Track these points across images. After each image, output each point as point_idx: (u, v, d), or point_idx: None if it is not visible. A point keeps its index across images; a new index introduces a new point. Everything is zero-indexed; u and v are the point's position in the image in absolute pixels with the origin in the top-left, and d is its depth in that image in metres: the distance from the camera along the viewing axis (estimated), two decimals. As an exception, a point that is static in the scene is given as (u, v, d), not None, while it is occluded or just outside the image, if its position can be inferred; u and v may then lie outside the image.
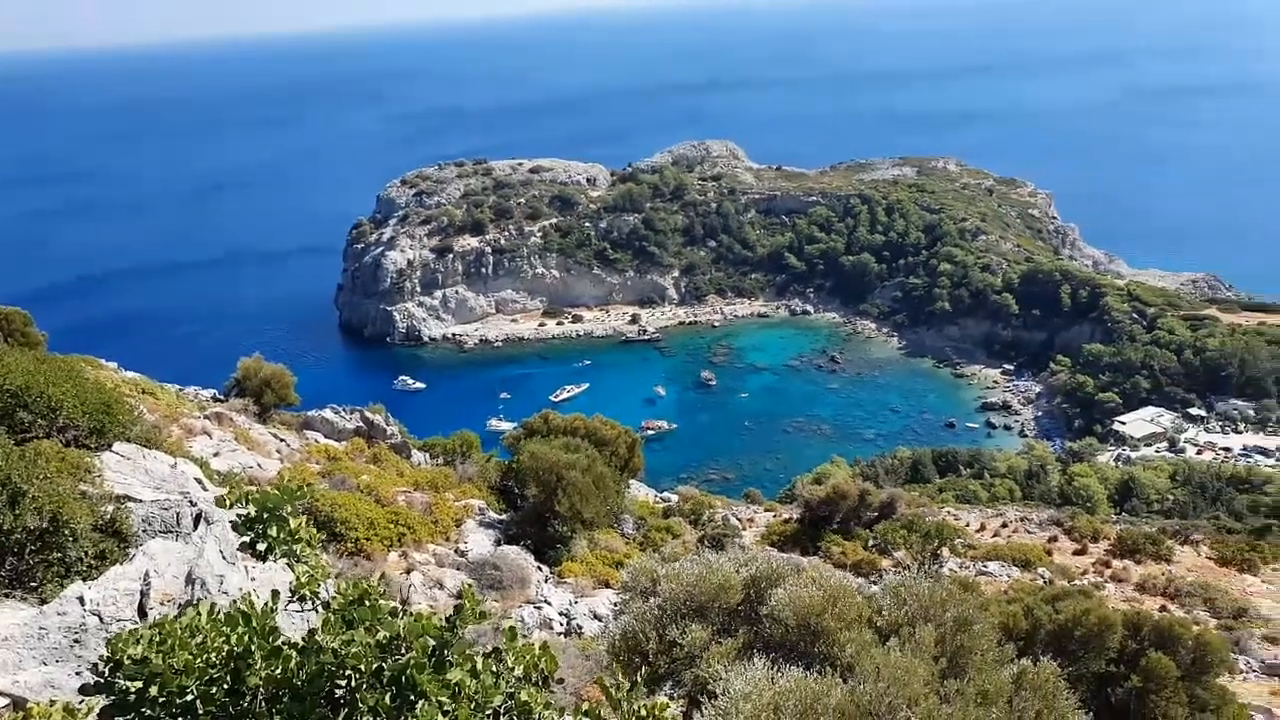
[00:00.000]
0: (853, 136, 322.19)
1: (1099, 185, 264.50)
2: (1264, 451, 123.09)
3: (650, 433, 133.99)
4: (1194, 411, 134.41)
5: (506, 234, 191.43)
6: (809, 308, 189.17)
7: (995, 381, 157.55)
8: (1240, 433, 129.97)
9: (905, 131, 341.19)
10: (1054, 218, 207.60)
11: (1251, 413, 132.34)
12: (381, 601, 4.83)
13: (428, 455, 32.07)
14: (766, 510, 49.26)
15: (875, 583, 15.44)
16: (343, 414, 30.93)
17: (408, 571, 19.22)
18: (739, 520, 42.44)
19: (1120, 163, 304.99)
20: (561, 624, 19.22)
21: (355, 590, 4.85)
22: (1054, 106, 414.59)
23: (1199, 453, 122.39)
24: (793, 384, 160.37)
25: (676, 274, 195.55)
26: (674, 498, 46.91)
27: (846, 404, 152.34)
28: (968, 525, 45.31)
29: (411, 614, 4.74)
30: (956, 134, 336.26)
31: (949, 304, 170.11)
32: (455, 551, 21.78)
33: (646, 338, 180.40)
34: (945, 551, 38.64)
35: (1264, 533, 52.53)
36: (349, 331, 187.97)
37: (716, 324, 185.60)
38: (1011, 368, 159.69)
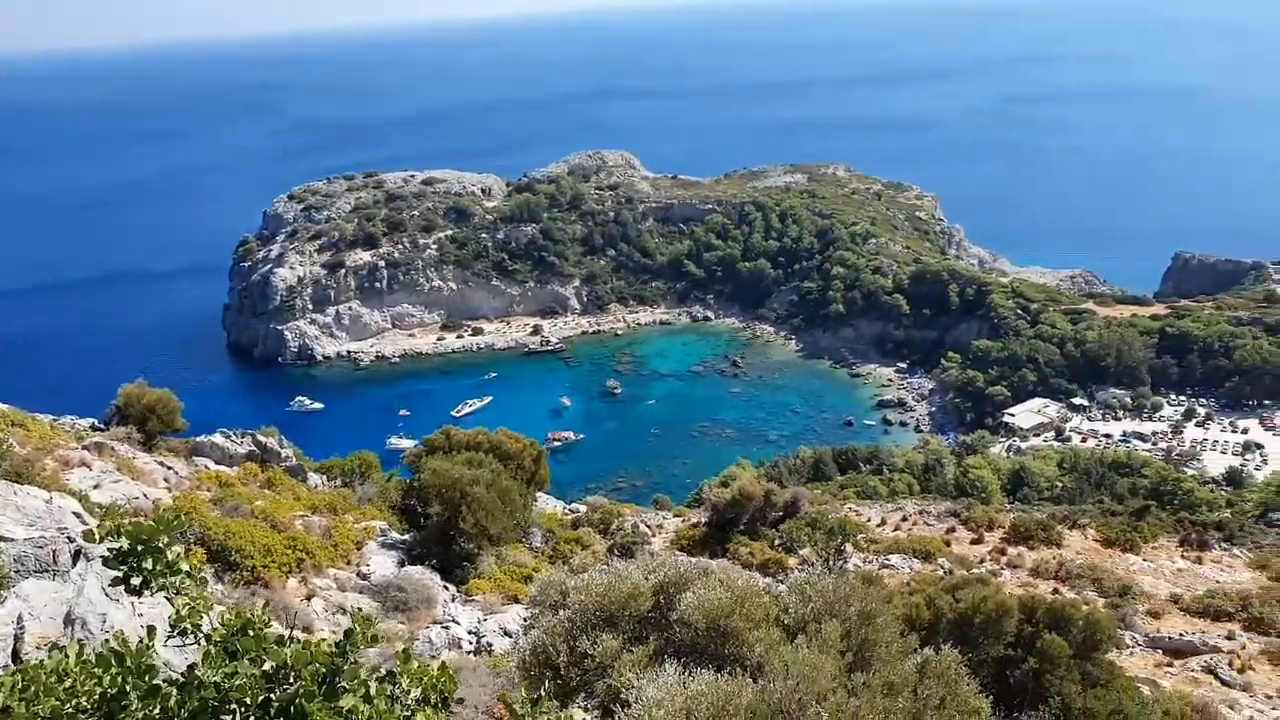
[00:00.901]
0: (747, 145, 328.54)
1: (981, 187, 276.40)
2: (1141, 436, 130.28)
3: (557, 444, 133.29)
4: (1077, 401, 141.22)
5: (400, 247, 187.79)
6: (710, 314, 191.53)
7: (890, 380, 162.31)
8: (1119, 419, 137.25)
9: (796, 138, 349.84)
10: (940, 219, 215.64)
11: (1129, 400, 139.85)
12: (267, 630, 4.56)
13: (325, 477, 31.03)
14: (675, 515, 49.46)
15: (782, 581, 15.59)
16: (234, 438, 29.68)
17: (308, 598, 18.52)
18: (648, 527, 42.48)
19: (1000, 165, 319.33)
20: (471, 642, 18.79)
21: (238, 620, 4.57)
22: (938, 114, 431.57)
23: (1083, 440, 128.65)
24: (697, 389, 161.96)
25: (578, 283, 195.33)
26: (582, 508, 46.64)
27: (750, 407, 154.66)
28: (869, 520, 46.38)
29: (299, 641, 4.48)
30: (845, 140, 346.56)
31: (843, 306, 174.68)
32: (357, 575, 21.10)
33: (550, 348, 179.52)
34: (849, 547, 39.46)
35: (1143, 513, 55.44)
36: (238, 352, 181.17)
37: (620, 332, 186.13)
38: (905, 366, 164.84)
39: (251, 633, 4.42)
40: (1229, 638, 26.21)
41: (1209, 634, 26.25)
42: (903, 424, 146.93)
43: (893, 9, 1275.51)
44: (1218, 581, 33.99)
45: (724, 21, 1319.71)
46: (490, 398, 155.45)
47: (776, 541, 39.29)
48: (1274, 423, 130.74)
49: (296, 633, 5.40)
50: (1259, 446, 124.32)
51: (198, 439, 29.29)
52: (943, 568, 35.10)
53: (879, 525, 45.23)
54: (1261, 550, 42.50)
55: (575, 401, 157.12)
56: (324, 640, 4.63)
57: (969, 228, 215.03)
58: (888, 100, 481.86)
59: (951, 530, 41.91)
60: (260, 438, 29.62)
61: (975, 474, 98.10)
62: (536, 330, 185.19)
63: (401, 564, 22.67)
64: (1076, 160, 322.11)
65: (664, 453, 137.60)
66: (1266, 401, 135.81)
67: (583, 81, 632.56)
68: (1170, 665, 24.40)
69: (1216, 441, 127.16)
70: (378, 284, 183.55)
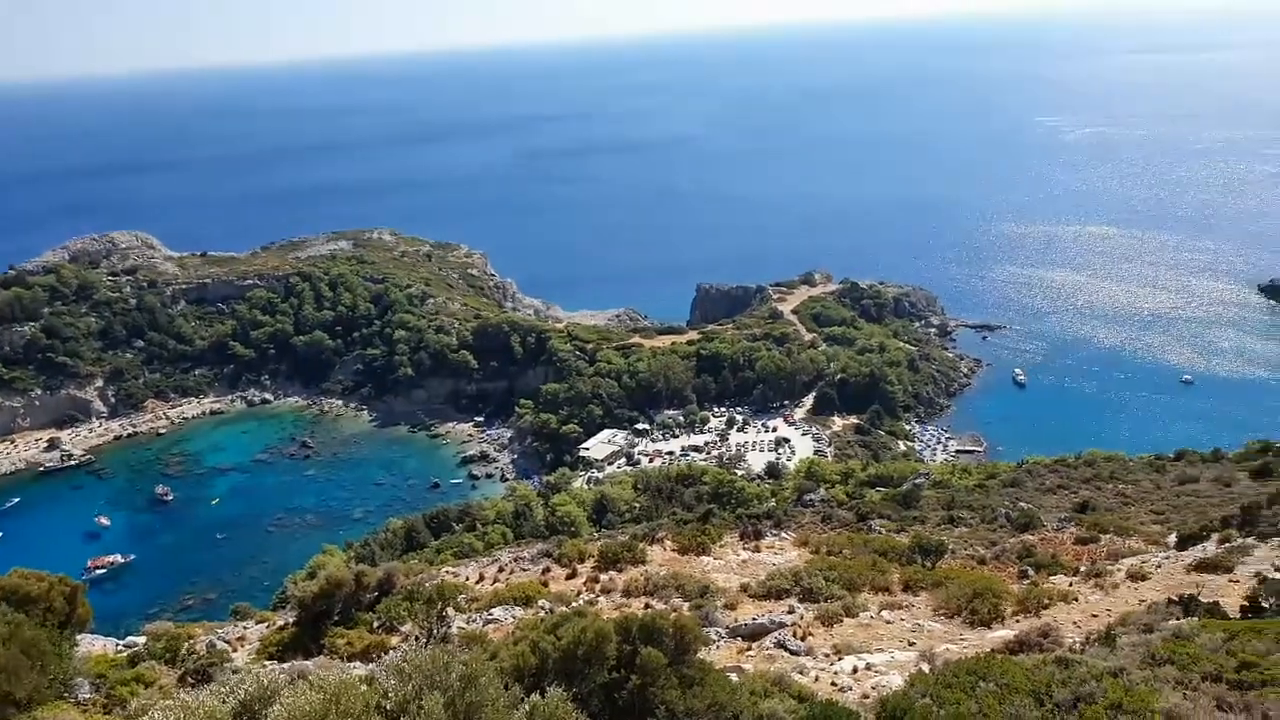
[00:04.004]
0: (278, 214, 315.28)
1: (525, 240, 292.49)
2: (696, 449, 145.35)
3: (100, 571, 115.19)
4: (640, 426, 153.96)
5: None
6: (268, 395, 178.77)
7: (470, 435, 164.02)
8: (677, 437, 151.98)
9: (334, 204, 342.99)
10: (492, 274, 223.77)
11: (682, 418, 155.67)
12: None
13: None
14: (259, 622, 44.36)
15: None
16: None
17: None
18: (228, 642, 37.52)
19: (541, 218, 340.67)
20: None
21: None
22: (470, 171, 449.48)
23: (650, 460, 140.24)
24: (266, 479, 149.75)
25: (100, 383, 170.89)
26: (141, 640, 40.04)
27: (329, 488, 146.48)
28: (468, 579, 45.64)
29: None
30: (383, 203, 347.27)
31: (411, 369, 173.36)
32: None
33: (74, 462, 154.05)
34: (450, 611, 38.36)
35: (708, 517, 61.33)
36: None
37: (163, 431, 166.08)
38: (482, 419, 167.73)
39: None
40: (790, 611, 29.55)
41: (775, 613, 29.36)
42: (489, 476, 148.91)
43: (427, 69, 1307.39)
44: (774, 564, 38.43)
45: (235, 89, 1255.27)
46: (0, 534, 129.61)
47: (376, 624, 36.97)
48: (793, 418, 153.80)
49: None
50: (786, 440, 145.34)
51: None
52: (544, 609, 35.45)
53: (478, 581, 44.66)
54: (803, 528, 49.09)
55: (117, 519, 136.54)
56: None
57: (520, 280, 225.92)
58: (421, 159, 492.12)
59: (547, 570, 42.60)
60: None
61: (563, 510, 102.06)
62: (53, 444, 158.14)
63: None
64: (603, 208, 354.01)
65: (237, 556, 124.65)
66: (785, 401, 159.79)
67: (79, 157, 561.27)
68: (749, 649, 26.80)
69: (755, 442, 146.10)
70: None
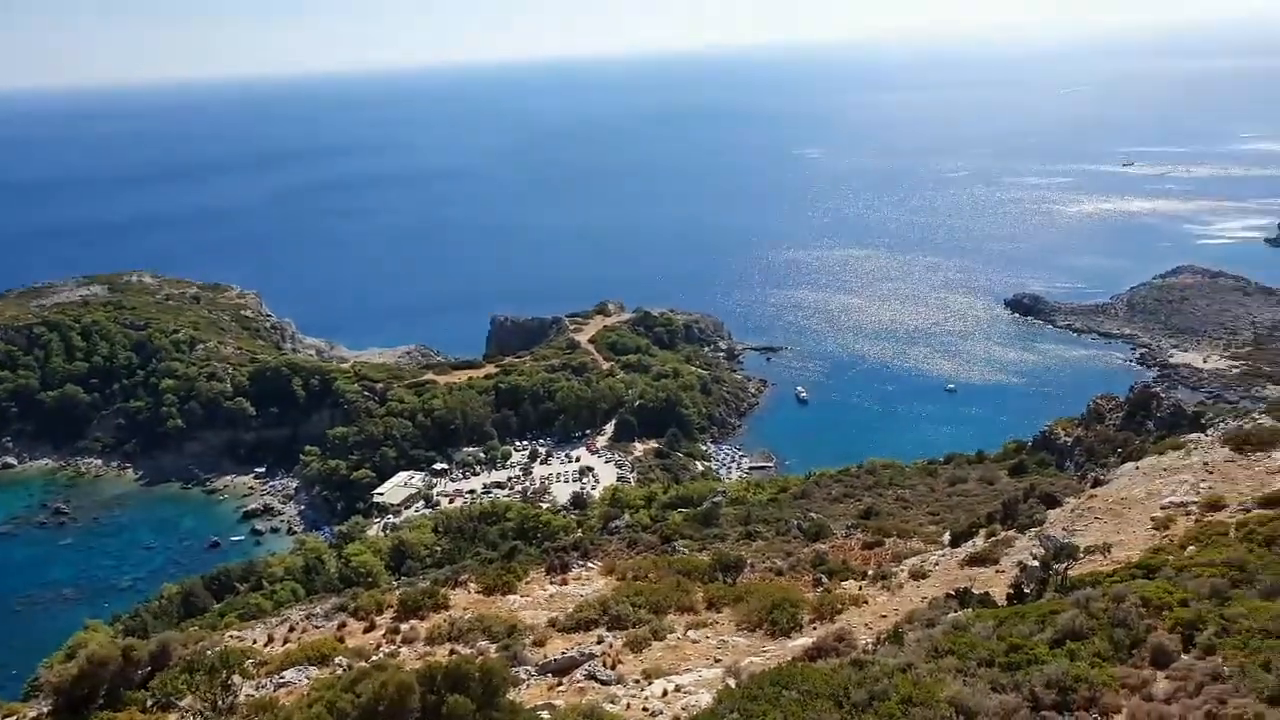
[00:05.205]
0: (9, 259, 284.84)
1: (301, 280, 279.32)
2: (499, 485, 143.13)
3: None
4: (438, 466, 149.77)
5: None
6: (11, 459, 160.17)
7: (252, 487, 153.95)
8: (478, 474, 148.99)
9: (83, 247, 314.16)
10: (268, 315, 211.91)
11: (482, 455, 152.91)
12: None
13: None
14: (6, 716, 39.24)
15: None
16: None
17: None
18: (-36, 746, 32.87)
19: (311, 253, 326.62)
20: None
21: None
22: (240, 206, 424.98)
23: (450, 501, 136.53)
24: (12, 553, 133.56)
25: None
26: None
27: (90, 556, 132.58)
28: (255, 642, 42.46)
29: None
30: (139, 244, 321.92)
31: (182, 420, 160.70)
32: None
33: None
34: (237, 678, 35.43)
35: (513, 554, 60.41)
36: None
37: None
38: (263, 469, 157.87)
39: None
40: (599, 641, 29.39)
41: (584, 644, 29.09)
42: (274, 530, 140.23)
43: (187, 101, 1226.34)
44: (582, 595, 38.20)
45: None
46: None
47: (150, 702, 33.50)
48: (595, 447, 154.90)
49: None
50: (590, 469, 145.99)
51: None
52: (341, 666, 33.45)
53: (267, 644, 41.59)
54: (609, 556, 49.22)
55: None
56: None
57: (299, 320, 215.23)
58: (181, 196, 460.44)
59: (343, 625, 40.31)
60: None
61: (358, 561, 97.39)
62: None
63: None
64: (386, 242, 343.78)
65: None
66: (587, 431, 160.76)
67: None
68: (560, 684, 26.36)
69: (559, 474, 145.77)
70: None
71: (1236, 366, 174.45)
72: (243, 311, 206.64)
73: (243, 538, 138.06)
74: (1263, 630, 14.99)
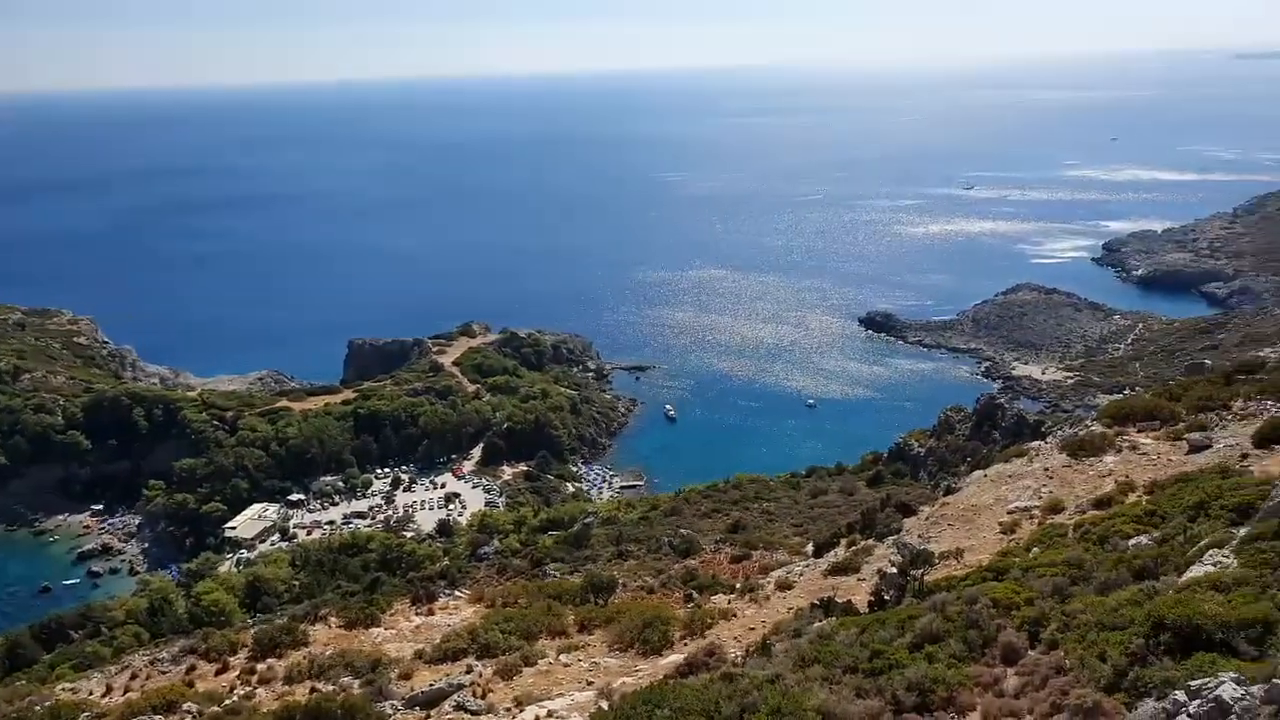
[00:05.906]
0: None
1: (141, 303, 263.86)
2: (360, 515, 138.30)
3: None
4: (294, 497, 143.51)
5: None
6: None
7: (87, 526, 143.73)
8: (337, 504, 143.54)
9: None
10: (106, 342, 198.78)
11: (341, 484, 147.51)
12: None
13: None
14: None
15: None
16: None
17: None
18: None
19: (152, 276, 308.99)
20: None
21: None
22: (71, 228, 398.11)
23: (308, 533, 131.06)
24: None
25: None
26: None
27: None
28: (92, 694, 39.45)
29: None
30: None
31: (5, 457, 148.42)
32: None
33: None
34: (70, 736, 32.74)
35: (375, 585, 58.40)
36: None
37: None
38: (101, 507, 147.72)
39: None
40: (468, 671, 28.61)
41: (453, 675, 28.26)
42: (114, 571, 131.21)
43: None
44: (449, 625, 37.18)
45: None
46: None
47: (-34, 770, 30.51)
48: (462, 472, 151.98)
49: None
50: (457, 495, 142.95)
51: None
52: (190, 713, 31.38)
53: (105, 695, 38.68)
54: (478, 584, 48.20)
55: None
56: None
57: (140, 347, 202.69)
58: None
59: (192, 669, 37.92)
60: None
61: (209, 599, 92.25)
62: None
63: None
64: (236, 265, 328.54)
65: None
66: (453, 456, 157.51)
67: None
68: (429, 717, 25.52)
69: (424, 501, 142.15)
70: None
71: (1071, 377, 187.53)
72: (76, 339, 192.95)
73: (77, 581, 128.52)
74: (1098, 623, 15.93)
